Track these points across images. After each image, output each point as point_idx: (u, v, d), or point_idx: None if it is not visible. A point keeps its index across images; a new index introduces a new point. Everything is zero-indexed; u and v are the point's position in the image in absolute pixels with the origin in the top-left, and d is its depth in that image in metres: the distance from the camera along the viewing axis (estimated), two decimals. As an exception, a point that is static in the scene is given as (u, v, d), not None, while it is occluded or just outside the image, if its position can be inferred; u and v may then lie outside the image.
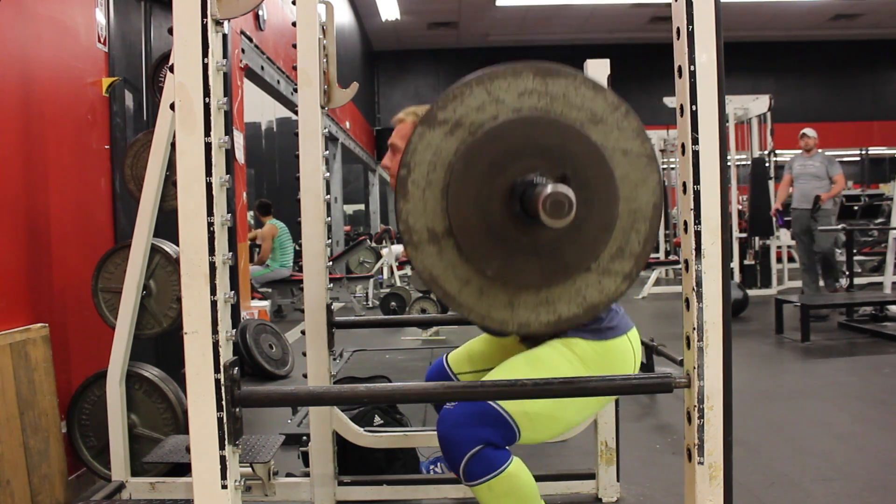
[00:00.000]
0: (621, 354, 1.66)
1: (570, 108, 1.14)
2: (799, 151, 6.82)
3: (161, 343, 2.90)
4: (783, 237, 7.93)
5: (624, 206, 1.17)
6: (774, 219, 7.53)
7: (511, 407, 1.52)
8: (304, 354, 2.17)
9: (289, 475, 2.39)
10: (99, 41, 2.81)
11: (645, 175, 1.17)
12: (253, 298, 5.96)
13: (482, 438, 1.51)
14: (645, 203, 1.18)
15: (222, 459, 1.21)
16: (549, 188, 1.02)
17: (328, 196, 2.19)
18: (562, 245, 1.15)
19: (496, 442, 1.52)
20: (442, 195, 1.13)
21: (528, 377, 1.44)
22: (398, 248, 9.70)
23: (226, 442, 1.22)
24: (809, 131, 6.70)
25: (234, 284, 1.47)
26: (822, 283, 6.66)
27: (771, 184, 7.61)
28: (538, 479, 1.63)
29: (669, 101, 7.68)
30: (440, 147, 1.13)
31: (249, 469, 2.24)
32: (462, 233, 1.12)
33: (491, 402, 1.52)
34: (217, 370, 1.20)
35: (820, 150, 6.70)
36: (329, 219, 2.19)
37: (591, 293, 1.18)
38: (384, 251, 8.98)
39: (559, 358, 1.60)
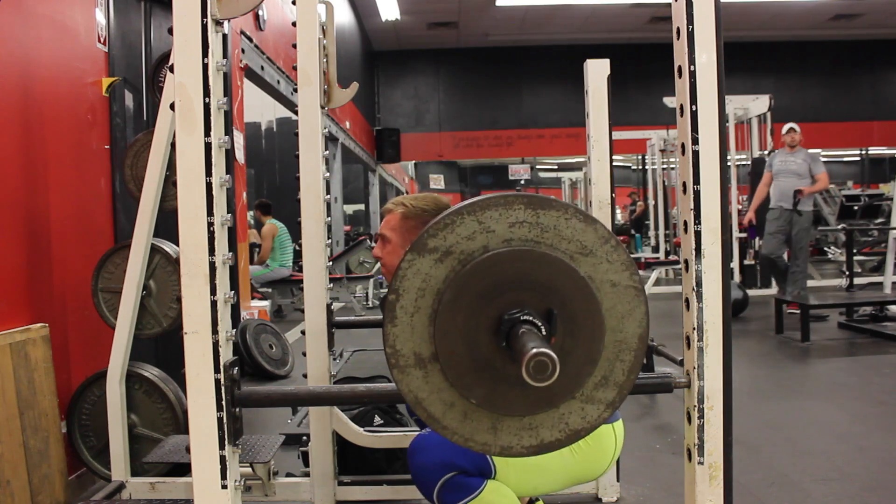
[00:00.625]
0: (603, 441, 1.68)
1: (560, 240, 1.16)
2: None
3: (161, 343, 2.90)
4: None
5: (610, 337, 1.19)
6: (745, 234, 7.27)
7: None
8: (304, 354, 2.17)
9: (289, 475, 2.39)
10: (99, 41, 2.81)
11: (632, 307, 1.19)
12: (253, 298, 5.96)
13: (454, 465, 1.51)
14: (631, 335, 1.20)
15: (222, 459, 1.21)
16: (533, 350, 1.02)
17: (328, 196, 2.19)
18: None
19: (468, 469, 1.52)
20: (430, 321, 1.15)
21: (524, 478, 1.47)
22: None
23: (226, 442, 1.21)
24: (796, 126, 6.40)
25: (234, 284, 1.46)
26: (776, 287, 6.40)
27: (771, 184, 7.60)
28: (538, 479, 1.63)
29: (669, 101, 7.68)
30: (429, 274, 1.15)
31: (249, 469, 2.24)
32: (448, 361, 1.15)
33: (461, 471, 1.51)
34: (217, 370, 1.20)
35: (803, 148, 6.38)
36: (329, 219, 2.19)
37: (574, 420, 1.20)
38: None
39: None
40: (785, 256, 6.15)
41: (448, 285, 1.14)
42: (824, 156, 18.37)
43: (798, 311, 5.28)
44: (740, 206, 8.71)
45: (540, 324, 1.11)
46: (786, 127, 6.39)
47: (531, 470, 1.60)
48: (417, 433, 1.59)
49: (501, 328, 1.13)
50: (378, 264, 8.99)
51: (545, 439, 1.20)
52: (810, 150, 6.35)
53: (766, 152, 7.87)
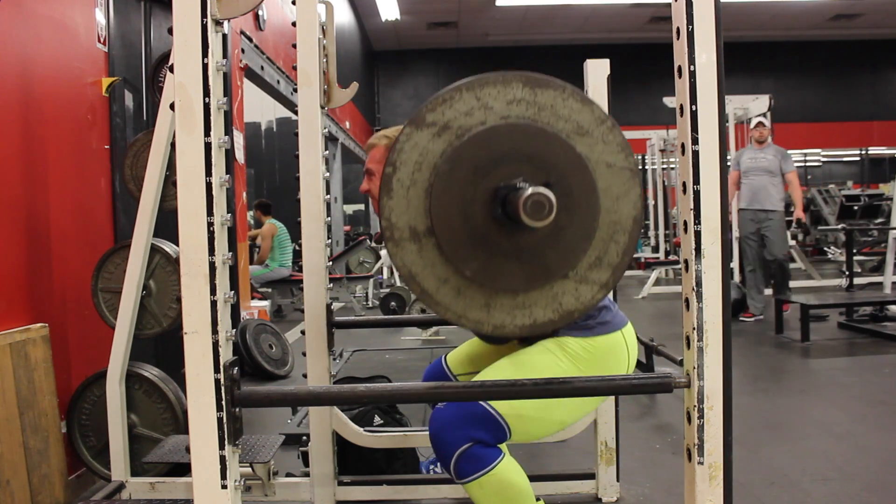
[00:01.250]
0: (614, 351, 1.65)
1: (556, 119, 1.17)
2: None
3: (161, 343, 2.90)
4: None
5: (605, 217, 1.19)
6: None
7: (502, 407, 1.53)
8: (304, 354, 2.17)
9: (289, 475, 2.39)
10: (99, 41, 2.81)
11: (627, 188, 1.19)
12: (253, 298, 5.96)
13: (472, 437, 1.52)
14: (626, 216, 1.20)
15: (222, 459, 1.21)
16: (531, 190, 1.04)
17: (328, 196, 2.19)
18: (541, 250, 1.17)
19: (486, 440, 1.53)
20: (426, 195, 1.15)
21: (512, 378, 1.45)
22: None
23: (226, 442, 1.22)
24: (765, 120, 6.07)
25: (234, 284, 1.46)
26: (767, 290, 6.18)
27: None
28: (538, 478, 1.63)
29: (669, 101, 7.68)
30: (426, 148, 1.15)
31: (249, 469, 2.24)
32: (443, 232, 1.14)
33: (481, 402, 1.52)
34: (217, 370, 1.21)
35: (773, 144, 6.10)
36: (329, 219, 2.19)
37: (568, 300, 1.20)
38: (384, 251, 8.98)
39: (547, 358, 1.61)
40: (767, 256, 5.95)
41: (445, 159, 1.14)
42: (824, 156, 18.45)
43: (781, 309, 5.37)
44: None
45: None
46: (754, 121, 6.01)
47: (546, 409, 1.58)
48: (434, 409, 1.59)
49: (497, 196, 1.13)
50: (378, 264, 9.02)
51: (538, 319, 1.20)
52: (779, 147, 6.09)
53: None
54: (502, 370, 1.61)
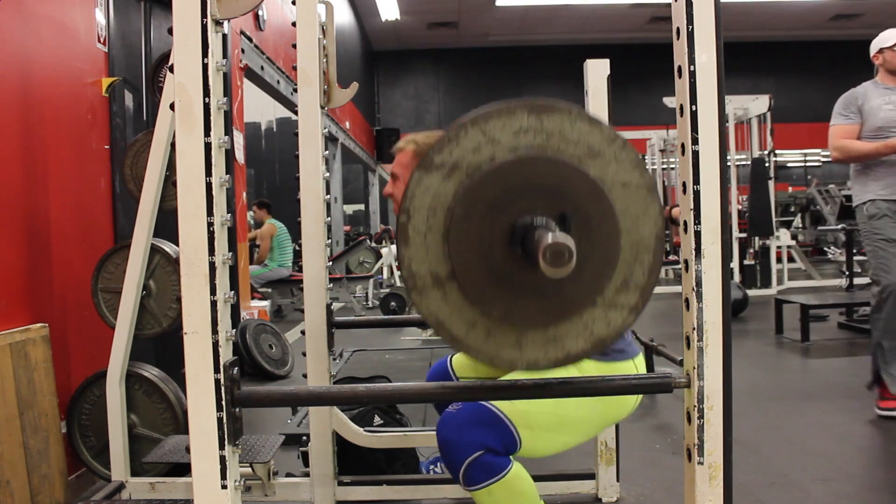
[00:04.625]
0: (626, 372, 1.67)
1: (566, 144, 1.14)
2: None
3: (161, 343, 2.90)
4: (783, 237, 7.93)
5: (626, 239, 1.16)
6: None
7: (515, 417, 1.52)
8: (304, 354, 2.17)
9: (289, 475, 2.39)
10: (99, 41, 2.81)
11: (646, 206, 1.17)
12: (253, 298, 5.96)
13: (483, 444, 1.50)
14: (647, 234, 1.17)
15: (222, 459, 1.21)
16: (549, 238, 1.01)
17: (328, 196, 2.19)
18: (566, 283, 1.13)
19: (496, 448, 1.52)
20: (443, 239, 1.13)
21: (532, 398, 1.45)
22: (398, 248, 9.68)
23: (226, 442, 1.21)
24: None
25: (234, 284, 1.46)
26: None
27: (771, 184, 7.60)
28: (538, 479, 1.63)
29: (669, 101, 7.67)
30: (438, 191, 1.13)
31: (249, 469, 2.24)
32: (465, 276, 1.12)
33: (494, 409, 1.52)
34: (217, 370, 1.20)
35: None
36: (329, 219, 2.19)
37: (599, 327, 1.18)
38: (384, 251, 8.98)
39: (561, 376, 1.61)
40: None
41: (458, 200, 1.12)
42: (824, 156, 18.37)
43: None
44: (740, 206, 8.72)
45: (554, 225, 1.09)
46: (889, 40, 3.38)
47: (556, 428, 1.58)
48: (444, 412, 1.58)
49: (515, 235, 1.11)
50: (378, 264, 9.02)
51: (571, 350, 1.18)
52: None
53: (765, 152, 7.88)
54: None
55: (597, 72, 2.23)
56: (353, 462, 2.40)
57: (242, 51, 5.03)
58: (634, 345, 1.74)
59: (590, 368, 1.61)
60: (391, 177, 1.86)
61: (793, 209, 12.03)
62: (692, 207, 1.23)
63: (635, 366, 1.70)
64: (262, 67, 5.57)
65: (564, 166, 1.13)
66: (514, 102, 1.15)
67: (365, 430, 2.30)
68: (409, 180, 1.13)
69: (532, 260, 1.05)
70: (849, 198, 9.43)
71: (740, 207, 8.69)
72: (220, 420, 1.21)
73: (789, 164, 18.64)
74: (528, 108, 1.14)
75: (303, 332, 2.18)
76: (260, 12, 5.59)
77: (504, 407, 1.53)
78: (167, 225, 2.12)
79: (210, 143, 1.19)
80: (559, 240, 1.00)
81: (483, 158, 1.13)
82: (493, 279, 1.12)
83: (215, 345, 1.20)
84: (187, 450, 1.83)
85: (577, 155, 1.14)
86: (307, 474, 2.31)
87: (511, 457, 1.55)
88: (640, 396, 1.74)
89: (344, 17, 11.04)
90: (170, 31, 1.21)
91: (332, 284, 2.33)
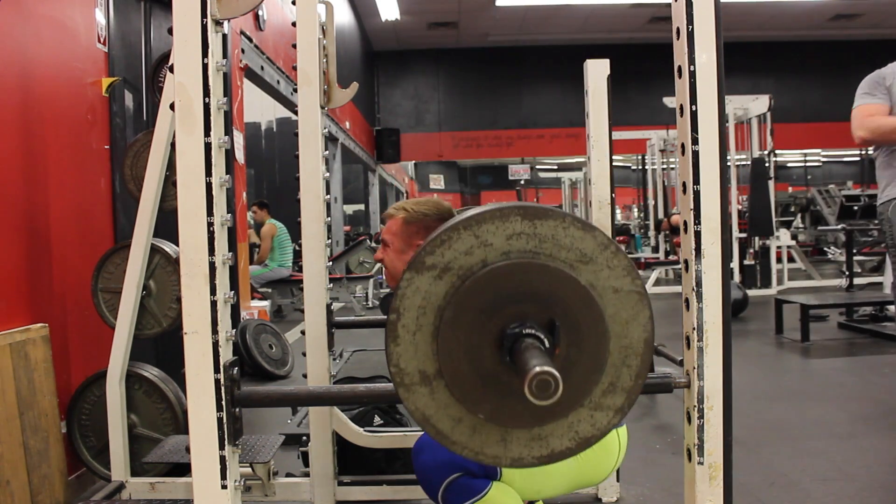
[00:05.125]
0: (607, 446, 1.68)
1: (559, 249, 1.15)
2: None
3: (161, 343, 2.90)
4: (783, 237, 7.93)
5: (615, 343, 1.17)
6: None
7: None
8: (304, 354, 2.17)
9: (289, 475, 2.39)
10: (99, 41, 2.81)
11: (636, 312, 1.18)
12: (253, 298, 5.96)
13: (460, 466, 1.50)
14: (636, 339, 1.19)
15: (222, 459, 1.21)
16: (535, 368, 1.01)
17: (328, 196, 2.19)
18: None
19: (473, 471, 1.52)
20: (432, 338, 1.15)
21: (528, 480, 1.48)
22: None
23: (226, 442, 1.21)
24: None
25: (234, 284, 1.46)
26: None
27: (771, 184, 7.60)
28: (538, 479, 1.63)
29: (669, 101, 7.68)
30: (429, 291, 1.14)
31: (249, 469, 2.24)
32: (452, 377, 1.14)
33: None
34: (217, 370, 1.20)
35: None
36: (329, 219, 2.19)
37: (584, 427, 1.20)
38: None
39: None
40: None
41: (448, 301, 1.13)
42: (824, 156, 18.44)
43: None
44: (740, 206, 8.72)
45: (543, 336, 1.10)
46: None
47: (536, 474, 1.60)
48: (421, 433, 1.59)
49: (504, 343, 1.12)
50: (378, 264, 9.01)
51: (556, 448, 1.20)
52: None
53: (765, 152, 7.88)
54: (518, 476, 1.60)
55: (597, 72, 2.23)
56: (353, 462, 2.40)
57: (242, 51, 5.03)
58: None
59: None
60: (381, 243, 1.87)
61: (793, 209, 12.04)
62: (692, 207, 1.23)
63: (618, 435, 1.71)
64: (262, 67, 5.57)
65: (555, 273, 1.13)
66: (507, 207, 1.16)
67: (365, 430, 2.30)
68: (401, 280, 1.14)
69: (518, 374, 1.07)
70: (849, 198, 9.47)
71: (740, 207, 8.69)
72: (220, 420, 1.21)
73: (789, 164, 18.66)
74: (521, 213, 1.15)
75: (303, 332, 2.18)
76: (260, 12, 5.59)
77: None
78: (167, 225, 2.12)
79: (210, 143, 1.19)
80: (546, 370, 1.00)
81: (475, 261, 1.14)
82: (481, 381, 1.13)
83: (215, 345, 1.20)
84: (187, 450, 1.83)
85: (570, 260, 1.15)
86: (307, 474, 2.31)
87: (490, 480, 1.54)
88: (619, 463, 1.75)
89: (344, 17, 11.04)
90: (170, 31, 1.21)
91: (332, 284, 2.33)
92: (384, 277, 1.91)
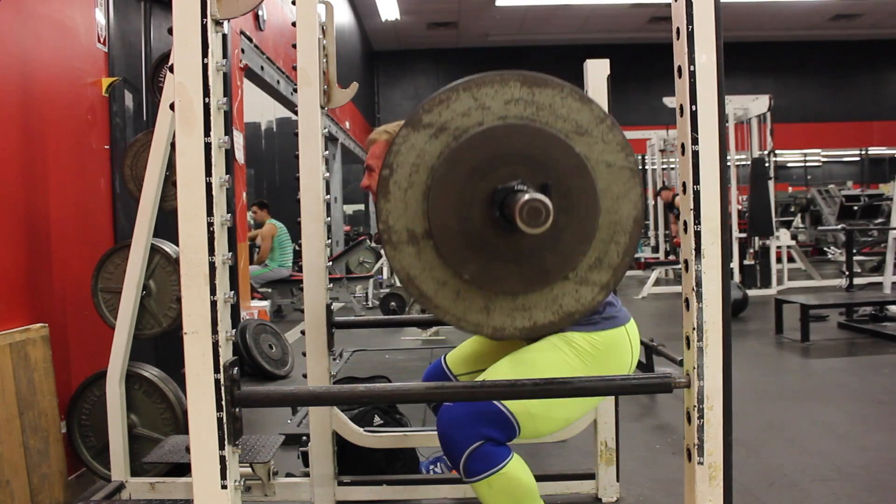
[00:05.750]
0: (618, 346, 1.65)
1: (555, 119, 1.16)
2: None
3: (161, 343, 2.90)
4: (783, 237, 7.93)
5: (605, 218, 1.18)
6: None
7: (513, 405, 1.53)
8: (304, 354, 2.17)
9: (289, 475, 2.39)
10: (99, 41, 2.81)
11: (627, 188, 1.18)
12: (253, 298, 5.96)
13: (483, 434, 1.51)
14: (626, 216, 1.19)
15: (222, 459, 1.21)
16: (527, 196, 1.03)
17: (328, 196, 2.19)
18: (540, 253, 1.16)
19: (496, 438, 1.53)
20: (423, 197, 1.15)
21: (515, 378, 1.46)
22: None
23: (226, 442, 1.22)
24: None
25: (234, 284, 1.46)
26: None
27: (771, 184, 7.60)
28: (538, 478, 1.63)
29: (669, 101, 7.68)
30: (423, 150, 1.15)
31: (249, 469, 2.24)
32: (441, 235, 1.14)
33: (504, 411, 1.52)
34: (217, 370, 1.21)
35: None
36: (329, 219, 2.19)
37: (568, 302, 1.19)
38: (384, 251, 8.97)
39: (553, 355, 1.60)
40: None
41: (442, 161, 1.13)
42: (824, 156, 18.43)
43: None
44: (740, 206, 8.72)
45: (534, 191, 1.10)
46: None
47: (553, 407, 1.59)
48: (442, 406, 1.59)
49: (495, 199, 1.12)
50: (378, 264, 9.02)
51: (538, 321, 1.19)
52: None
53: (765, 152, 7.88)
54: (507, 369, 1.61)
55: (597, 72, 2.23)
56: (353, 462, 2.40)
57: (242, 51, 5.03)
58: (625, 310, 1.72)
59: (579, 341, 1.60)
60: (366, 169, 1.86)
61: (793, 209, 12.04)
62: (692, 207, 1.23)
63: (627, 331, 1.68)
64: (262, 67, 5.57)
65: (551, 138, 1.14)
66: (508, 72, 1.16)
67: (365, 430, 2.30)
68: (396, 136, 1.14)
69: (510, 223, 1.07)
70: (849, 198, 9.45)
71: (740, 207, 8.69)
72: (220, 420, 1.21)
73: (789, 164, 18.66)
74: (521, 80, 1.16)
75: (303, 332, 2.18)
76: (260, 12, 5.59)
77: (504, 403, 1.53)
78: (167, 225, 2.12)
79: (210, 143, 1.19)
80: (537, 197, 1.02)
81: (471, 123, 1.15)
82: (469, 241, 1.14)
83: (215, 345, 1.20)
84: (187, 450, 1.83)
85: (565, 131, 1.16)
86: (307, 474, 2.31)
87: (511, 449, 1.56)
88: (635, 361, 1.71)
89: (344, 17, 11.04)
90: (170, 31, 1.21)
91: (332, 284, 2.33)
92: (373, 205, 1.91)
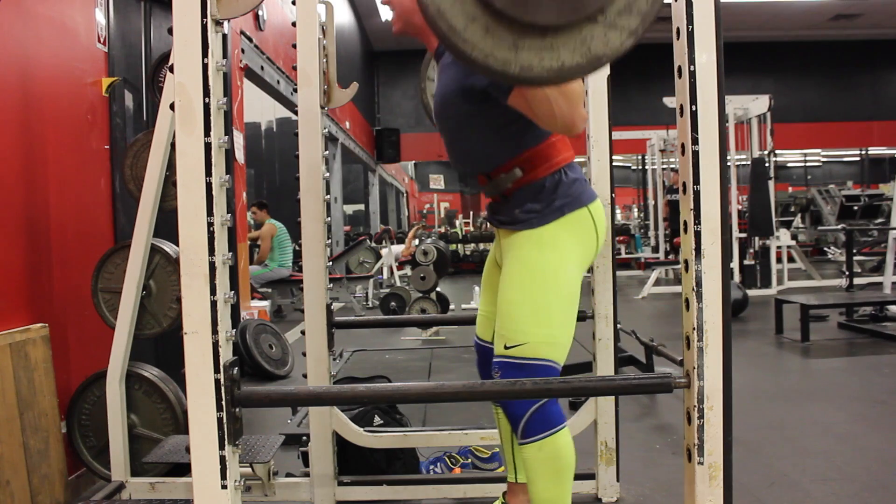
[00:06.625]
0: (582, 226, 1.64)
1: None
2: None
3: (161, 343, 2.90)
4: (783, 237, 7.94)
5: None
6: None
7: (551, 353, 1.56)
8: (304, 354, 2.17)
9: (289, 475, 2.39)
10: (99, 41, 2.81)
11: None
12: (253, 298, 5.96)
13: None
14: None
15: (222, 459, 1.21)
16: None
17: (328, 196, 2.19)
18: None
19: (554, 399, 1.58)
20: None
21: (521, 281, 1.53)
22: (398, 249, 9.71)
23: (226, 442, 1.22)
24: None
25: (234, 284, 1.47)
26: None
27: (771, 184, 7.61)
28: (538, 479, 1.63)
29: (669, 101, 7.68)
30: None
31: (249, 469, 2.24)
32: None
33: (544, 362, 1.55)
34: (217, 370, 1.21)
35: None
36: (329, 219, 2.19)
37: (596, 45, 1.15)
38: (384, 251, 8.98)
39: (531, 247, 1.61)
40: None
41: None
42: (824, 156, 18.41)
43: None
44: (740, 206, 8.72)
45: None
46: None
47: (567, 324, 1.61)
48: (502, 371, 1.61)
49: None
50: (378, 264, 9.02)
51: (566, 62, 1.15)
52: None
53: (765, 152, 7.88)
54: (513, 279, 1.60)
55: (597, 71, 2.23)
56: (353, 462, 2.40)
57: (242, 51, 5.03)
58: (590, 190, 1.69)
59: (550, 231, 1.60)
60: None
61: (793, 209, 12.05)
62: (692, 207, 1.23)
63: (590, 212, 1.65)
64: (262, 67, 5.57)
65: None
66: None
67: (365, 431, 2.30)
68: None
69: None
70: (849, 198, 9.44)
71: (740, 207, 8.70)
72: (220, 420, 1.21)
73: (789, 164, 18.66)
74: None
75: (303, 332, 2.18)
76: (260, 12, 5.59)
77: (536, 352, 1.56)
78: (167, 225, 2.12)
79: (210, 143, 1.19)
80: None
81: None
82: None
83: (215, 345, 1.20)
84: (187, 450, 1.83)
85: None
86: (307, 474, 2.31)
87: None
88: (603, 233, 1.69)
89: (344, 17, 11.04)
90: (170, 31, 1.21)
91: (332, 284, 2.33)
92: (391, 22, 1.83)
